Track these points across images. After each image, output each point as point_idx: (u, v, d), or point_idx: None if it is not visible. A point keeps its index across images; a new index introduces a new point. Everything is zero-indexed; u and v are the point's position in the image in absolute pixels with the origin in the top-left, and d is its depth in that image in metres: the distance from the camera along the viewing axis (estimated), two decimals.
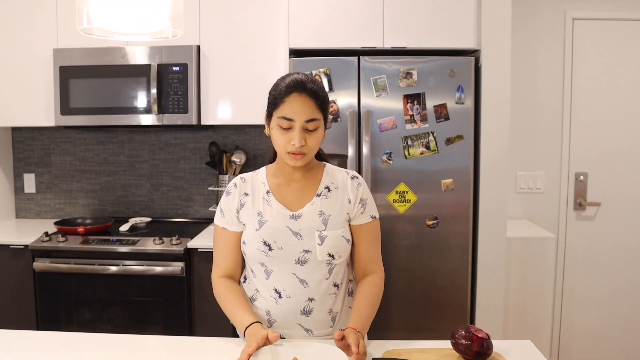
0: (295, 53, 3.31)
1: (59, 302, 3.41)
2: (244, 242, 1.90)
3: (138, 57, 3.52)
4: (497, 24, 3.17)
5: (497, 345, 1.79)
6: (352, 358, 1.61)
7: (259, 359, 1.63)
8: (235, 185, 1.95)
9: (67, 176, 4.14)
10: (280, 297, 1.87)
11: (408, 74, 3.14)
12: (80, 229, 3.51)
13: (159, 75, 3.49)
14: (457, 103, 3.15)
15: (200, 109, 3.57)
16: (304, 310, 1.87)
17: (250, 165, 3.97)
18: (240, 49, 3.54)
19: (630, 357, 4.05)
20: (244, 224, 1.91)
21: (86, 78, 3.54)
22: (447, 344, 1.80)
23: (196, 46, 3.52)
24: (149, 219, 3.95)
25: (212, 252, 3.30)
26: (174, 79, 3.50)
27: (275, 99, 1.81)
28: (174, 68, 3.50)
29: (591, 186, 3.96)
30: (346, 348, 1.66)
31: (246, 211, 1.90)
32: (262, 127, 3.95)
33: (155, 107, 3.48)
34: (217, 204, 3.83)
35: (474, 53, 3.29)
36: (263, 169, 2.00)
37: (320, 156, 2.02)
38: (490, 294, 3.28)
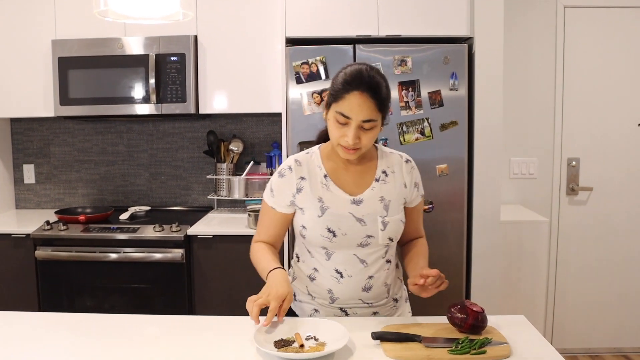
0: (291, 42, 3.35)
1: (61, 289, 3.46)
2: (303, 227, 1.92)
3: (136, 47, 3.56)
4: (489, 12, 3.22)
5: (492, 320, 1.85)
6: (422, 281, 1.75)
7: (264, 335, 1.69)
8: (289, 168, 1.95)
9: (66, 166, 4.18)
10: (342, 276, 1.94)
11: (403, 62, 3.19)
12: (81, 218, 3.55)
13: (157, 65, 3.53)
14: (451, 90, 3.21)
15: (198, 99, 3.62)
16: (364, 287, 1.95)
17: (247, 153, 4.02)
18: (237, 38, 3.58)
19: (619, 337, 4.13)
20: (301, 208, 1.93)
21: (85, 69, 3.58)
22: (443, 319, 1.86)
23: (193, 36, 3.56)
24: (148, 208, 4.00)
25: (212, 239, 3.39)
26: (171, 69, 3.54)
27: (336, 92, 1.79)
28: (172, 58, 3.54)
29: (583, 171, 4.03)
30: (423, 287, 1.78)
31: (304, 196, 1.92)
32: (258, 115, 4.00)
33: (153, 97, 3.52)
34: (215, 192, 3.90)
35: (467, 40, 3.34)
36: (316, 149, 1.99)
37: None
38: (484, 277, 3.34)
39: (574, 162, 4.02)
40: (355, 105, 1.76)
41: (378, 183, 1.94)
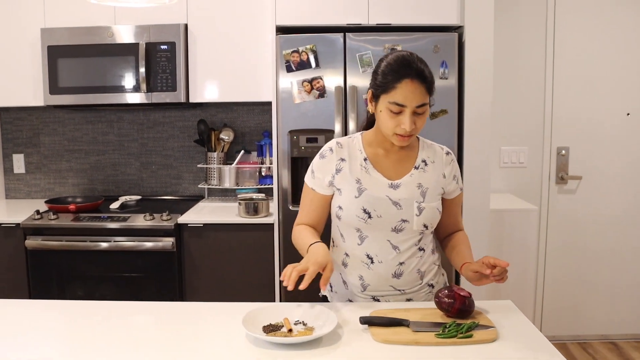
0: (282, 30, 3.35)
1: (51, 279, 3.45)
2: (340, 207, 1.97)
3: (126, 36, 3.55)
4: (480, 0, 3.22)
5: (479, 304, 1.87)
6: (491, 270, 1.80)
7: (252, 320, 1.69)
8: (331, 149, 2.00)
9: (56, 156, 4.17)
10: (372, 262, 1.96)
11: (393, 50, 3.19)
12: (72, 207, 3.55)
13: (147, 54, 3.52)
14: (441, 78, 3.21)
15: (188, 87, 3.61)
16: (395, 273, 1.97)
17: (238, 142, 4.02)
18: (227, 26, 3.57)
19: (608, 324, 4.17)
20: (338, 189, 1.98)
21: (74, 57, 3.57)
22: (431, 304, 1.88)
23: (184, 25, 3.55)
24: (138, 197, 3.99)
25: (202, 227, 3.39)
26: (162, 58, 3.53)
27: (386, 84, 1.83)
28: (162, 47, 3.53)
29: (573, 160, 4.05)
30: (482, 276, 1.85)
31: (343, 177, 1.96)
32: (249, 104, 4.00)
33: (143, 86, 3.51)
34: (206, 181, 3.89)
35: (457, 29, 3.34)
36: (358, 135, 2.05)
37: None
38: None
39: (563, 151, 4.04)
40: (409, 92, 1.80)
41: (417, 171, 1.98)
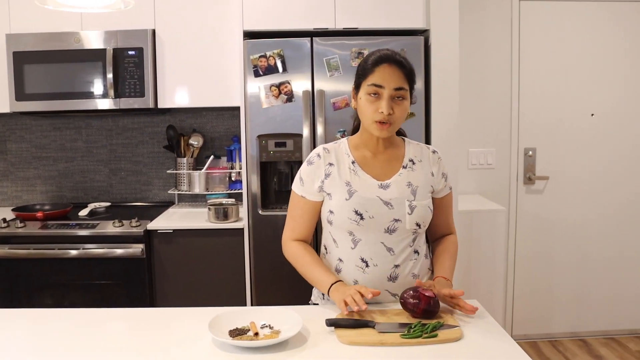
0: (249, 35, 3.35)
1: (19, 288, 3.41)
2: (331, 212, 1.97)
3: (93, 41, 3.52)
4: (445, 4, 3.25)
5: (445, 304, 1.89)
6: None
7: (219, 324, 1.70)
8: (318, 155, 2.02)
9: (23, 163, 4.12)
10: (367, 266, 1.97)
11: (360, 54, 3.21)
12: (39, 215, 3.51)
13: (115, 60, 3.50)
14: None
15: (156, 93, 3.59)
16: (390, 276, 1.98)
17: (208, 147, 4.01)
18: (195, 32, 3.57)
19: (577, 322, 4.24)
20: (328, 194, 1.99)
21: (41, 63, 3.53)
22: (397, 306, 1.90)
23: (151, 30, 3.53)
24: (108, 204, 3.96)
25: (172, 233, 3.37)
26: (129, 63, 3.52)
27: (365, 70, 1.91)
28: (130, 52, 3.51)
29: (540, 161, 4.12)
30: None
31: (333, 181, 1.98)
32: (218, 109, 3.99)
33: (111, 92, 3.49)
34: (176, 187, 3.88)
35: (423, 33, 3.38)
36: (344, 140, 2.07)
37: (399, 132, 2.11)
38: None
39: (530, 152, 4.10)
40: (387, 74, 1.87)
41: (405, 170, 2.01)
